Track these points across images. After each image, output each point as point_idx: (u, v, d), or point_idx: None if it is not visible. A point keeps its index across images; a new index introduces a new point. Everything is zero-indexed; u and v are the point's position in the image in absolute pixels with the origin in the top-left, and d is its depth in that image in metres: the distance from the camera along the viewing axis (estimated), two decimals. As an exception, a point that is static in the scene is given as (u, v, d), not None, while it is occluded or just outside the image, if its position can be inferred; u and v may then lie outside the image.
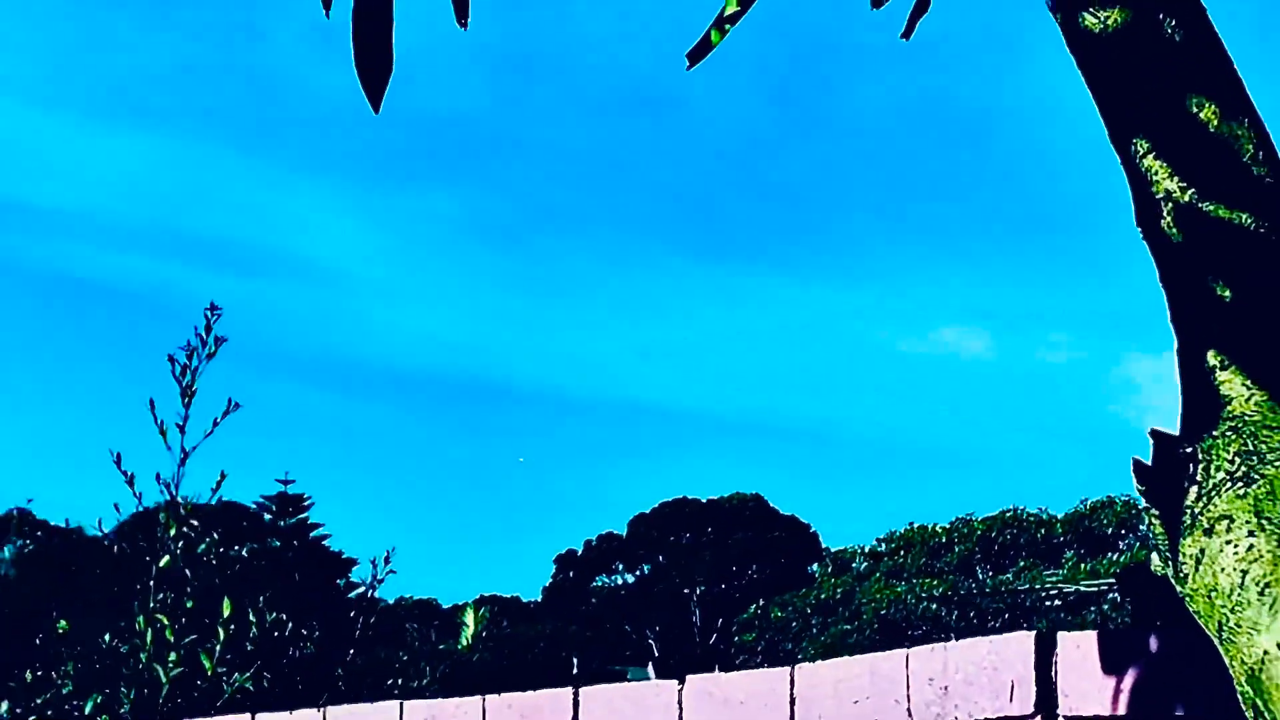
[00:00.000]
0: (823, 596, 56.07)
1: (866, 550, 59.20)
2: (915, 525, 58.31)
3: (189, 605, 8.19)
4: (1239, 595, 2.86)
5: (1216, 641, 2.94)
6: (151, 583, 8.21)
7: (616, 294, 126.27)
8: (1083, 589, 48.76)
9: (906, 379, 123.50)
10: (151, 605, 8.17)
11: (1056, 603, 49.74)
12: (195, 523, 8.52)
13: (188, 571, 8.31)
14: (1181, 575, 3.03)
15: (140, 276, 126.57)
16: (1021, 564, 53.77)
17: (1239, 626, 2.86)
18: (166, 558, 8.30)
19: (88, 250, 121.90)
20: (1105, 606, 47.21)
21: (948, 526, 57.28)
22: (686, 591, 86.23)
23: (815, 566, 70.84)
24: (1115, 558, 50.85)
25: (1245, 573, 2.87)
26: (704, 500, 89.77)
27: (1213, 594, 2.93)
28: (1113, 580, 46.09)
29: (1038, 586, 50.16)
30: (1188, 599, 3.02)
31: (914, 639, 48.55)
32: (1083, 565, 51.31)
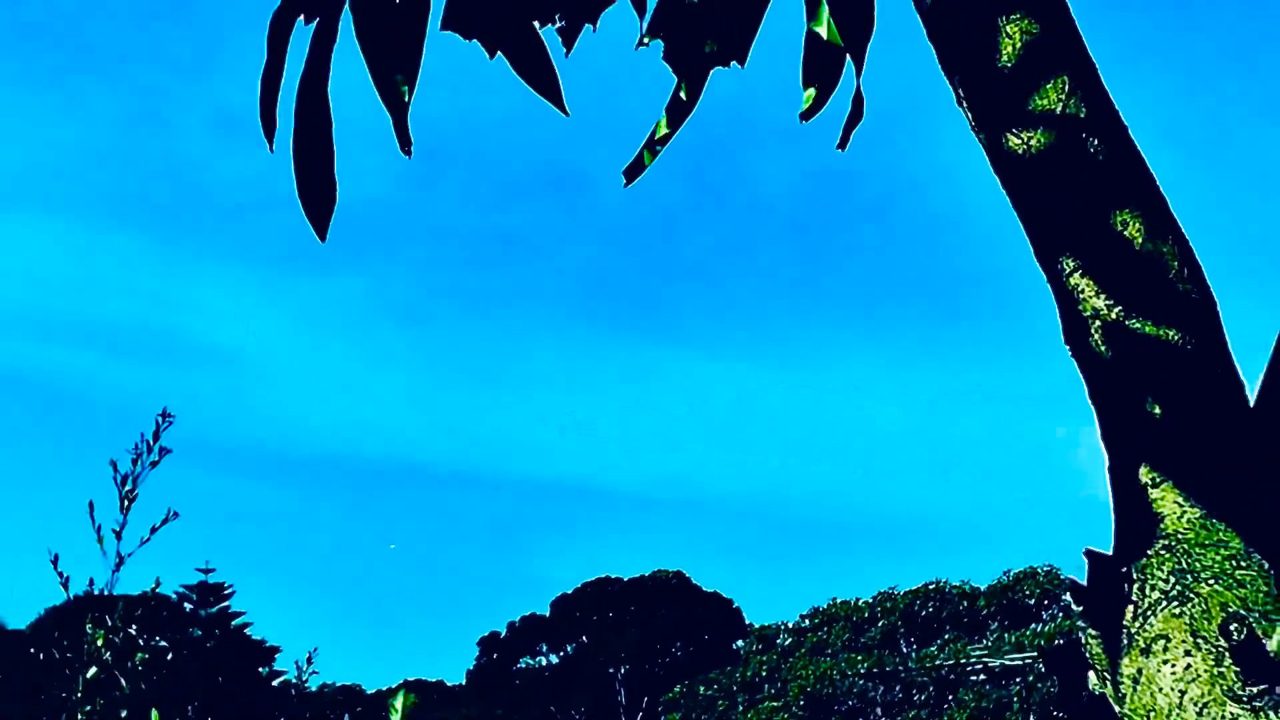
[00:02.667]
0: (749, 674, 55.91)
1: (791, 626, 59.08)
2: (839, 600, 58.28)
3: (123, 714, 8.09)
4: (1178, 716, 2.88)
5: (1156, 761, 2.95)
6: (79, 694, 8.11)
7: (529, 372, 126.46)
8: (1007, 663, 48.83)
9: (825, 453, 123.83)
10: (80, 718, 8.08)
11: (981, 676, 49.78)
12: (132, 630, 8.43)
13: (122, 681, 8.22)
14: (1120, 695, 3.04)
15: (45, 364, 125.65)
16: (946, 636, 53.79)
17: (1179, 748, 2.88)
18: (94, 669, 8.21)
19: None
20: (1030, 679, 47.26)
21: (871, 600, 57.26)
22: (611, 671, 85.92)
23: (740, 643, 70.60)
24: (1039, 629, 50.92)
25: (1184, 693, 2.89)
26: (626, 579, 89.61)
27: (1151, 714, 2.94)
28: (1036, 654, 46.18)
29: (962, 660, 50.20)
30: (1126, 719, 3.04)
31: (841, 714, 48.52)
32: (1007, 636, 51.35)
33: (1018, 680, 48.11)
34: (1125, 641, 3.06)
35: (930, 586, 56.71)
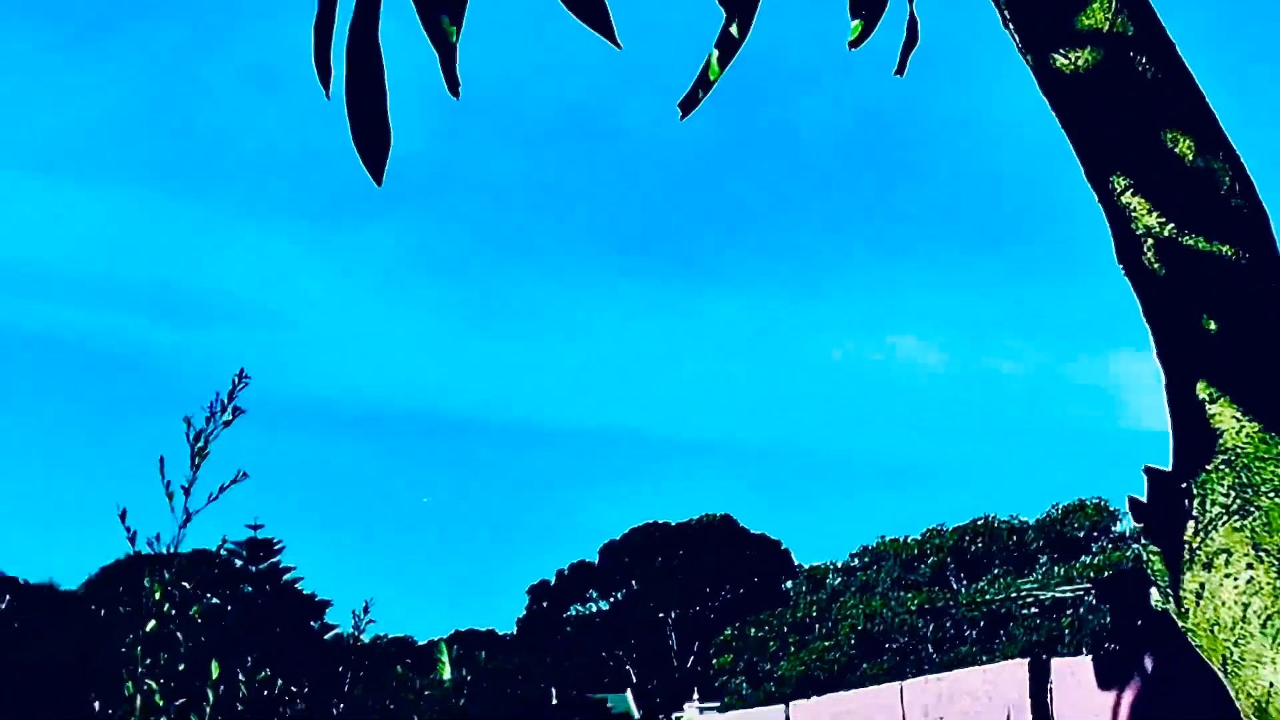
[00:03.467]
0: (799, 614, 55.95)
1: (840, 566, 59.07)
2: (887, 538, 58.24)
3: (180, 668, 8.14)
4: (1242, 629, 2.88)
5: (1221, 674, 2.95)
6: (139, 648, 8.15)
7: (569, 321, 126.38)
8: (1058, 595, 48.79)
9: (867, 392, 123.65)
10: (140, 670, 8.13)
11: (1033, 610, 49.75)
12: (187, 585, 8.47)
13: (179, 634, 8.26)
14: (1183, 610, 3.05)
15: (86, 327, 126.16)
16: (995, 571, 53.75)
17: (1244, 660, 2.87)
18: (153, 622, 8.25)
19: (31, 303, 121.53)
20: (1082, 611, 47.24)
21: (920, 538, 57.22)
22: (661, 616, 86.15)
23: (789, 584, 70.64)
24: (1089, 561, 50.86)
25: (1247, 606, 2.89)
26: (674, 524, 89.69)
27: (1215, 628, 2.94)
28: (1088, 585, 46.12)
29: (1013, 594, 50.16)
30: (1190, 634, 3.04)
31: (892, 652, 48.55)
32: (1057, 570, 51.30)
33: (1068, 612, 48.09)
34: (1187, 557, 3.06)
35: (979, 522, 56.67)
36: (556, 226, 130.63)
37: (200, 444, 8.76)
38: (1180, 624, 3.09)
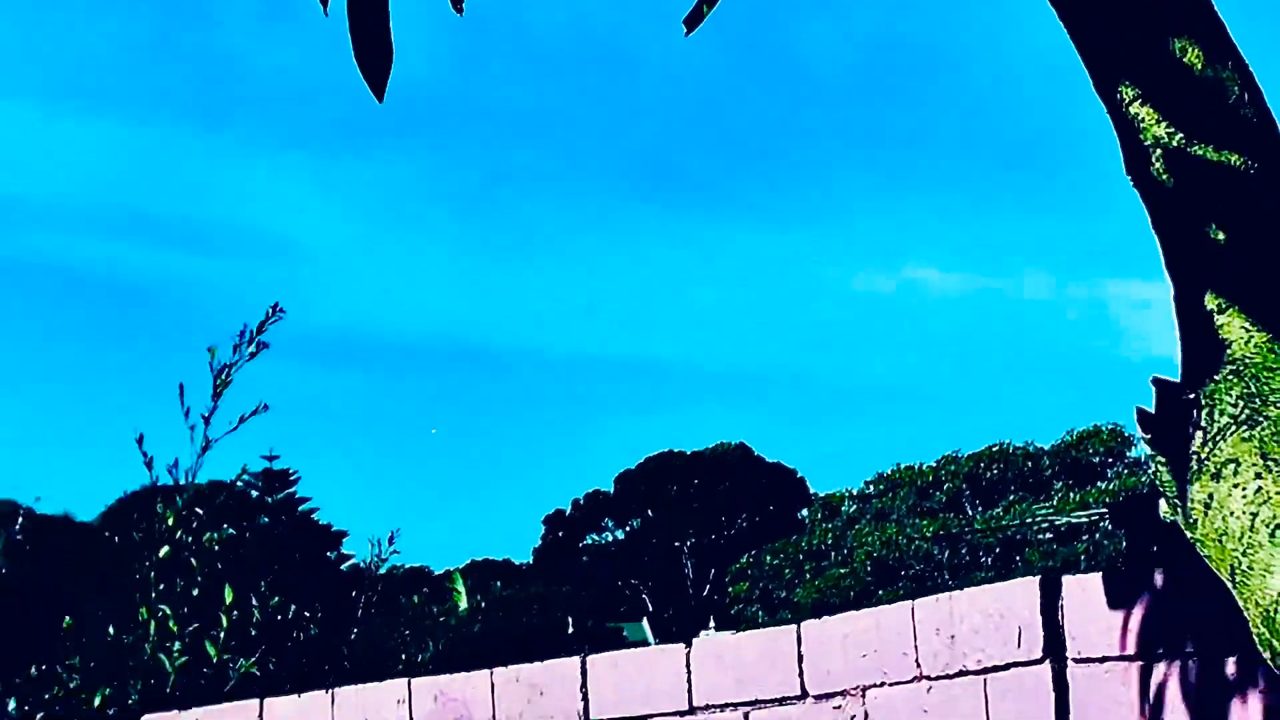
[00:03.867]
0: (814, 542, 56.10)
1: (855, 493, 59.15)
2: (902, 466, 58.29)
3: (194, 593, 8.19)
4: (1250, 538, 2.87)
5: (1229, 585, 2.94)
6: (153, 573, 8.20)
7: (583, 251, 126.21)
8: (1073, 520, 48.86)
9: (884, 320, 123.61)
10: (154, 595, 8.18)
11: (1048, 535, 49.84)
12: (200, 510, 8.51)
13: (193, 561, 8.31)
14: (1190, 520, 3.04)
15: (99, 258, 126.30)
16: (1011, 498, 53.82)
17: (1252, 569, 2.86)
18: (166, 548, 8.30)
19: (47, 235, 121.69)
20: (1097, 536, 47.33)
21: (935, 465, 57.26)
22: (677, 544, 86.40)
23: (804, 512, 70.79)
24: (1104, 486, 50.90)
25: (1255, 515, 2.87)
26: (689, 453, 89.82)
27: (1223, 538, 2.93)
28: (1103, 510, 46.17)
29: (1028, 520, 50.23)
30: (1198, 544, 3.03)
31: (907, 579, 48.65)
32: (1072, 496, 51.36)
33: (1084, 538, 48.18)
34: (1194, 468, 3.05)
35: (994, 449, 56.68)
36: (569, 155, 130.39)
37: (224, 375, 8.78)
38: (1188, 535, 3.08)
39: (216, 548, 8.51)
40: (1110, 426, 55.13)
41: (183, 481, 8.64)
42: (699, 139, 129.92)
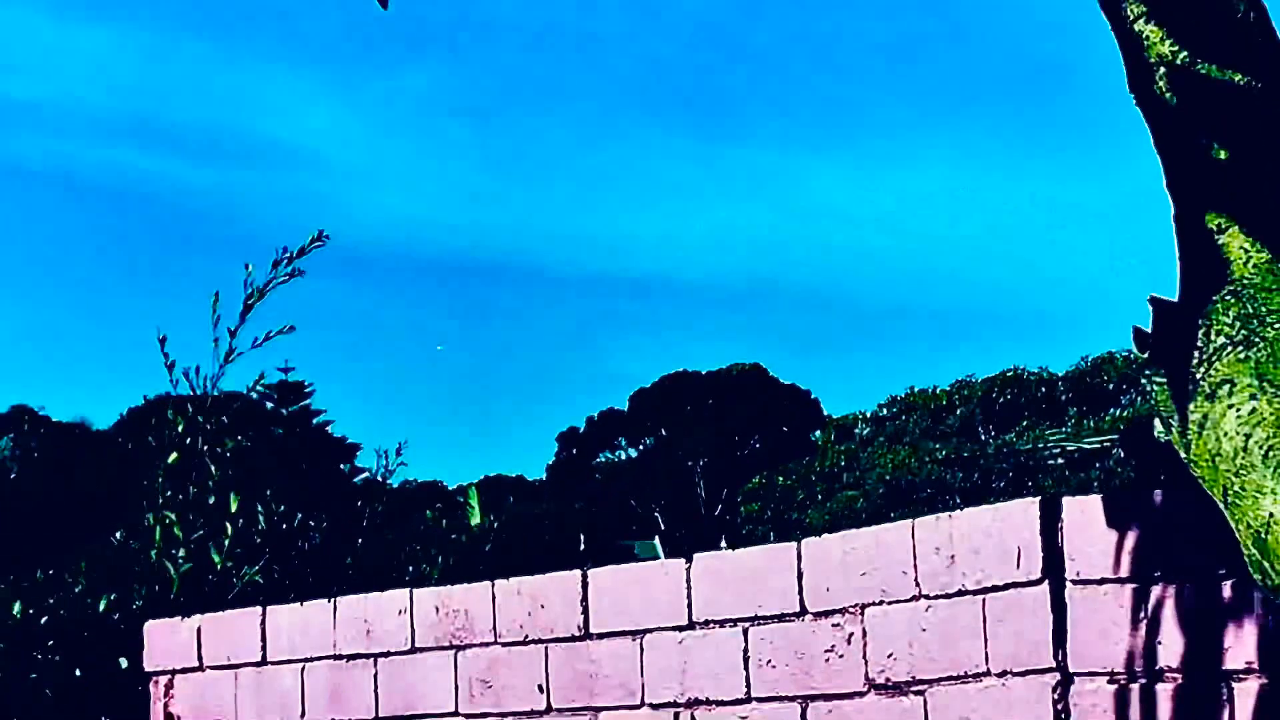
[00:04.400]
0: (826, 464, 56.17)
1: (868, 416, 59.17)
2: (916, 389, 58.30)
3: (210, 500, 8.22)
4: (1243, 459, 2.86)
5: (1222, 506, 2.94)
6: (160, 479, 8.23)
7: (598, 168, 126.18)
8: (1086, 446, 48.88)
9: (901, 243, 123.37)
10: (160, 502, 8.21)
11: (1060, 461, 49.88)
12: (213, 419, 8.53)
13: (209, 467, 8.33)
14: (1185, 441, 3.03)
15: (113, 166, 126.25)
16: (1024, 423, 53.82)
17: (1244, 490, 2.86)
18: (175, 454, 8.33)
19: (60, 141, 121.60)
20: (1110, 463, 47.34)
21: (949, 389, 57.26)
22: (690, 464, 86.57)
23: (818, 434, 70.85)
24: (1118, 414, 50.90)
25: (1249, 436, 2.87)
26: (704, 373, 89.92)
27: (1216, 459, 2.92)
28: (1115, 437, 46.19)
29: (1041, 445, 50.26)
30: (1192, 464, 3.02)
31: (919, 502, 48.72)
32: (1085, 422, 51.38)
33: (1097, 465, 48.21)
34: (1190, 388, 3.04)
35: (1008, 374, 56.66)
36: (584, 73, 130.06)
37: (252, 295, 8.80)
38: (1183, 455, 3.07)
39: (227, 455, 8.52)
40: (1125, 353, 55.06)
41: (202, 390, 8.67)
42: (715, 56, 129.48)
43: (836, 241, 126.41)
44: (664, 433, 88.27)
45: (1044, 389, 55.56)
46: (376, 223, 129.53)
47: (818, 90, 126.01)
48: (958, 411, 55.90)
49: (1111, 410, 52.42)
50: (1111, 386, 54.69)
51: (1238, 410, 2.91)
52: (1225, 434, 2.92)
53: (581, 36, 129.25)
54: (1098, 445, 48.37)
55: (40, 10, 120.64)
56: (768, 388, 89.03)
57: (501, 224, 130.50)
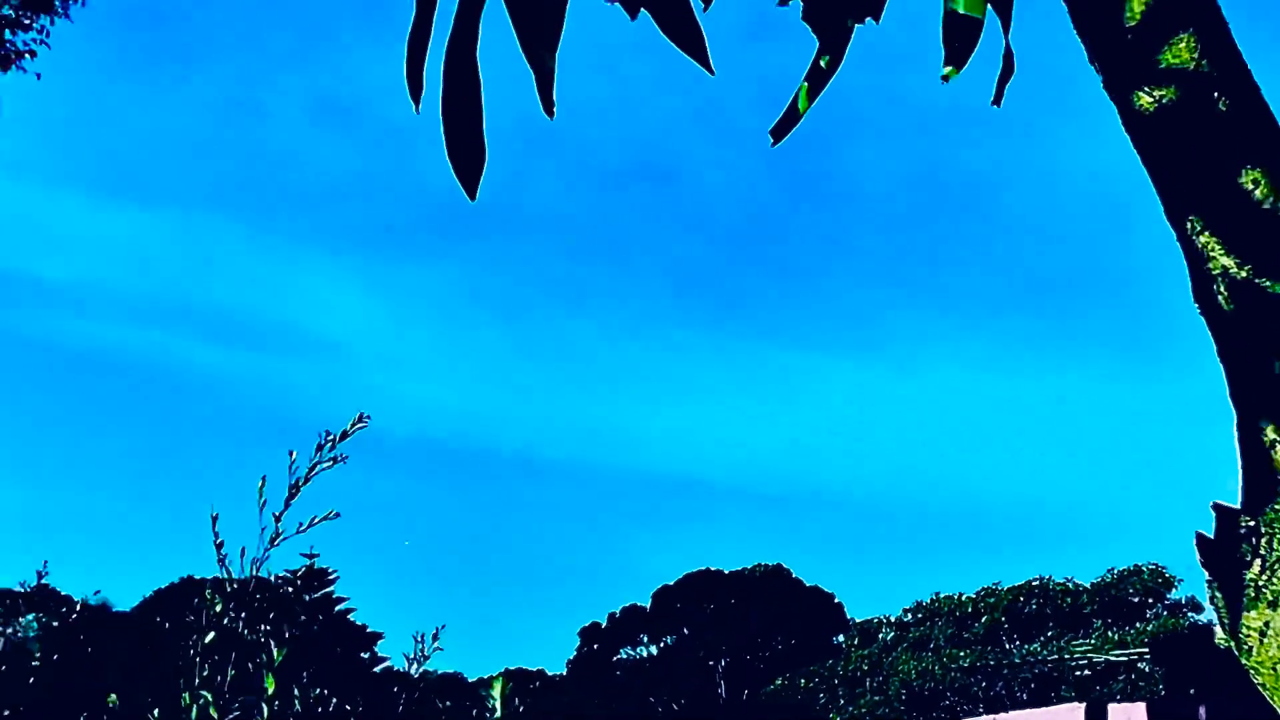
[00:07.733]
0: (850, 668, 55.80)
1: (893, 620, 58.90)
2: (941, 595, 58.05)
3: (243, 681, 8.23)
4: (1306, 668, 2.88)
5: (1281, 712, 2.95)
6: (197, 658, 8.24)
7: (625, 365, 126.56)
8: (1112, 659, 48.51)
9: (925, 447, 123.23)
10: (196, 682, 8.21)
11: (1085, 673, 49.47)
12: (262, 597, 8.57)
13: (257, 649, 8.34)
14: (1245, 648, 3.05)
15: (144, 349, 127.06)
16: (1049, 633, 53.49)
17: (1306, 698, 2.87)
18: (212, 634, 8.34)
19: (93, 323, 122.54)
20: (1134, 675, 46.95)
21: (974, 596, 57.00)
22: (711, 663, 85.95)
23: (840, 637, 70.46)
24: (1143, 626, 50.55)
25: (1311, 645, 2.89)
26: (727, 571, 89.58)
27: (1278, 666, 2.94)
28: (1142, 650, 45.86)
29: (1066, 656, 49.89)
30: (1253, 671, 3.04)
31: (942, 710, 48.32)
32: (1110, 634, 51.04)
33: (1121, 676, 47.80)
34: (1251, 594, 3.06)
35: (1034, 583, 56.43)
36: (616, 270, 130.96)
37: (295, 480, 8.86)
38: (1243, 661, 3.09)
39: (262, 639, 8.54)
40: (1151, 566, 54.84)
41: (250, 573, 8.70)
42: (743, 258, 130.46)
43: (862, 444, 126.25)
44: (686, 631, 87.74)
45: (1069, 599, 55.29)
46: (405, 413, 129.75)
47: (846, 293, 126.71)
48: (982, 619, 55.60)
49: (1137, 623, 52.07)
50: (1137, 599, 54.38)
51: (1300, 618, 2.94)
52: (1287, 642, 2.94)
53: (610, 233, 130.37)
54: (1123, 658, 47.99)
55: (77, 192, 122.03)
56: (790, 589, 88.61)
57: (528, 417, 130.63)
